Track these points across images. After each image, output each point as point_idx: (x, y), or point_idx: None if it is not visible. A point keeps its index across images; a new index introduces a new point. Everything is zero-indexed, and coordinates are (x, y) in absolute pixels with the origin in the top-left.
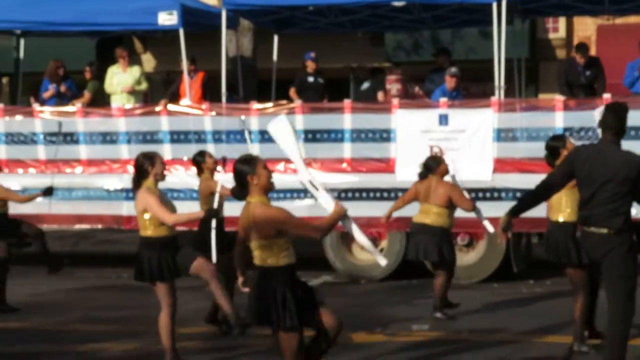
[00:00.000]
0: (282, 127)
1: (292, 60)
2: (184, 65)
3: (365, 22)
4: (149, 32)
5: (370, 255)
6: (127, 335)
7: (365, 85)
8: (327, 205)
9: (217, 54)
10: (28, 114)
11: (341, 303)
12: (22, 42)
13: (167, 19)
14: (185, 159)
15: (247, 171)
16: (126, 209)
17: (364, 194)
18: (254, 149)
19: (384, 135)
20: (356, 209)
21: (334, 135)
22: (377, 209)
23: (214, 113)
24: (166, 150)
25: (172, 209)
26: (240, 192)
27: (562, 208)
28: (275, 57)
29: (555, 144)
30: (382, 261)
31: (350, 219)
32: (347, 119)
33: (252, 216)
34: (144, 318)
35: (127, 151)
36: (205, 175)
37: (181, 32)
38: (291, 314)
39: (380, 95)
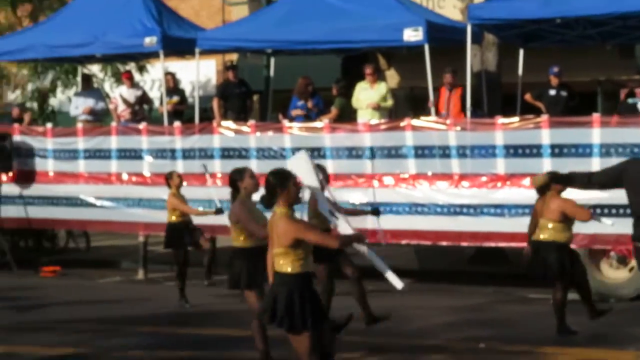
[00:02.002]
0: (299, 162)
1: (538, 75)
2: (429, 80)
3: (615, 34)
4: (394, 48)
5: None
6: None
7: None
8: (345, 231)
9: (462, 69)
10: (278, 130)
11: (589, 322)
12: (272, 60)
13: (412, 35)
14: (429, 173)
15: (278, 185)
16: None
17: (613, 210)
18: (500, 163)
19: (635, 150)
20: (605, 225)
21: (582, 150)
22: (626, 226)
23: (458, 128)
24: (410, 165)
25: (263, 221)
26: (268, 201)
27: None
28: (520, 71)
29: None
30: (398, 284)
31: (366, 243)
32: (596, 133)
33: (275, 226)
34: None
35: (371, 166)
36: None
37: (426, 47)
38: (295, 316)
39: None
